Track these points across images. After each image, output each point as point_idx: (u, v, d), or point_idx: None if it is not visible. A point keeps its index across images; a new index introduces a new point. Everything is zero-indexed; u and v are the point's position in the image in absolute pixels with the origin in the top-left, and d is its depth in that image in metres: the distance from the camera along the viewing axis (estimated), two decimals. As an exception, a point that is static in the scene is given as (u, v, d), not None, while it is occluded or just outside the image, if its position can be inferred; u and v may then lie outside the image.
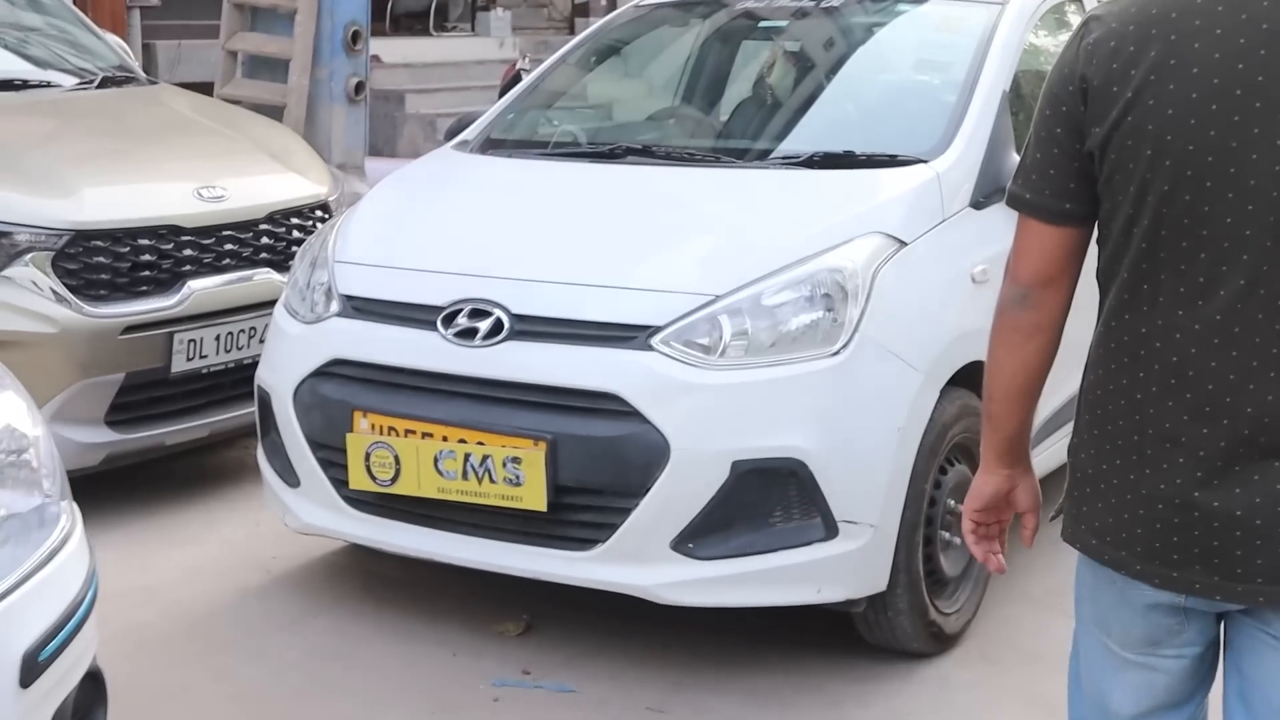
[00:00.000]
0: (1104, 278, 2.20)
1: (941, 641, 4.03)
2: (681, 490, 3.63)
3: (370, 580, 4.49)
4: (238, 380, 5.13)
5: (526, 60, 9.28)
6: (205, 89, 9.02)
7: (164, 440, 5.07)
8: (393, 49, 11.59)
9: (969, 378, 4.01)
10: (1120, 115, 2.08)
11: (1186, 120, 2.03)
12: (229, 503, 5.20)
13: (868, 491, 3.71)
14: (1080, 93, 2.12)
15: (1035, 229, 2.21)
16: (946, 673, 3.96)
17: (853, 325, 3.74)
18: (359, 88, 9.23)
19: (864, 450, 3.71)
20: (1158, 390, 2.11)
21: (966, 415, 4.01)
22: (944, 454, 3.95)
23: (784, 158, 4.39)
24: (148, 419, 5.02)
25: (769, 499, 3.67)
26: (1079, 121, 2.13)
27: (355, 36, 9.19)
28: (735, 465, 3.61)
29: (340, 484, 4.04)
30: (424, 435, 3.85)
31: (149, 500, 5.13)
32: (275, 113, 8.79)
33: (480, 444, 3.77)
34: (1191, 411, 2.08)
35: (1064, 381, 4.72)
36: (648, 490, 3.63)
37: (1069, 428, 4.90)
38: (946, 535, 4.01)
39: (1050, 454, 4.74)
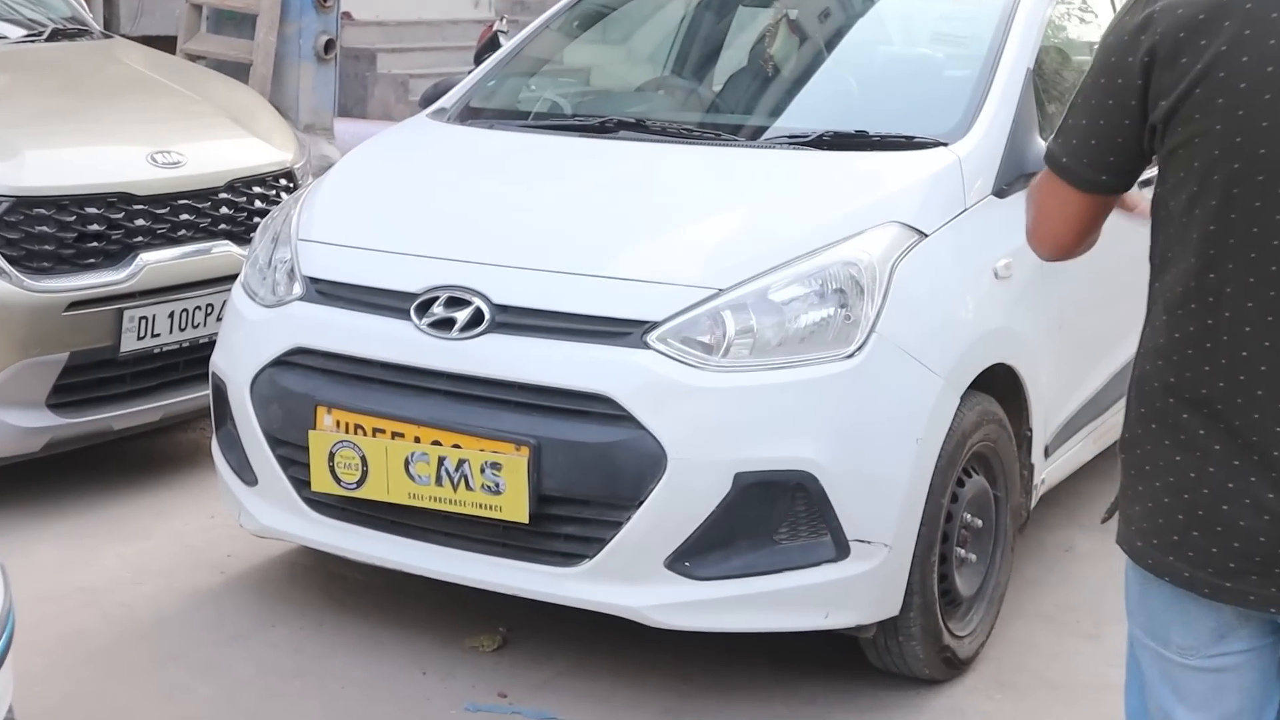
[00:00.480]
0: (1162, 261, 2.04)
1: (954, 667, 3.71)
2: (678, 503, 3.30)
3: (332, 584, 4.15)
4: (192, 360, 4.76)
5: (503, 21, 8.89)
6: (169, 43, 8.68)
7: (111, 424, 4.70)
8: (364, 5, 11.16)
9: (988, 381, 3.70)
10: (1188, 89, 1.92)
11: (1261, 95, 1.87)
12: (181, 491, 4.84)
13: (883, 508, 3.38)
14: (1143, 66, 1.96)
15: (1064, 190, 2.14)
16: (960, 702, 3.65)
17: (868, 325, 3.41)
18: (329, 45, 8.83)
19: (879, 463, 3.38)
20: (1226, 386, 1.95)
21: (986, 423, 3.69)
22: (962, 465, 3.63)
23: (790, 137, 4.02)
24: (94, 402, 4.64)
25: (774, 515, 3.33)
26: (1135, 95, 2.00)
27: (326, -9, 8.79)
28: (738, 477, 3.28)
29: (301, 484, 3.69)
30: (394, 435, 3.50)
31: (94, 489, 4.76)
32: (241, 70, 8.44)
33: (456, 447, 3.42)
34: (1264, 410, 1.94)
35: (1099, 362, 4.45)
36: (641, 503, 3.30)
37: (1110, 413, 4.50)
38: (962, 552, 3.69)
39: (1085, 447, 4.47)
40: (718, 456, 3.29)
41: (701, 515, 3.30)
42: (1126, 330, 4.74)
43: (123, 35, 7.24)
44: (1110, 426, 4.71)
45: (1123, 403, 4.89)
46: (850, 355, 3.37)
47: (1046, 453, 4.15)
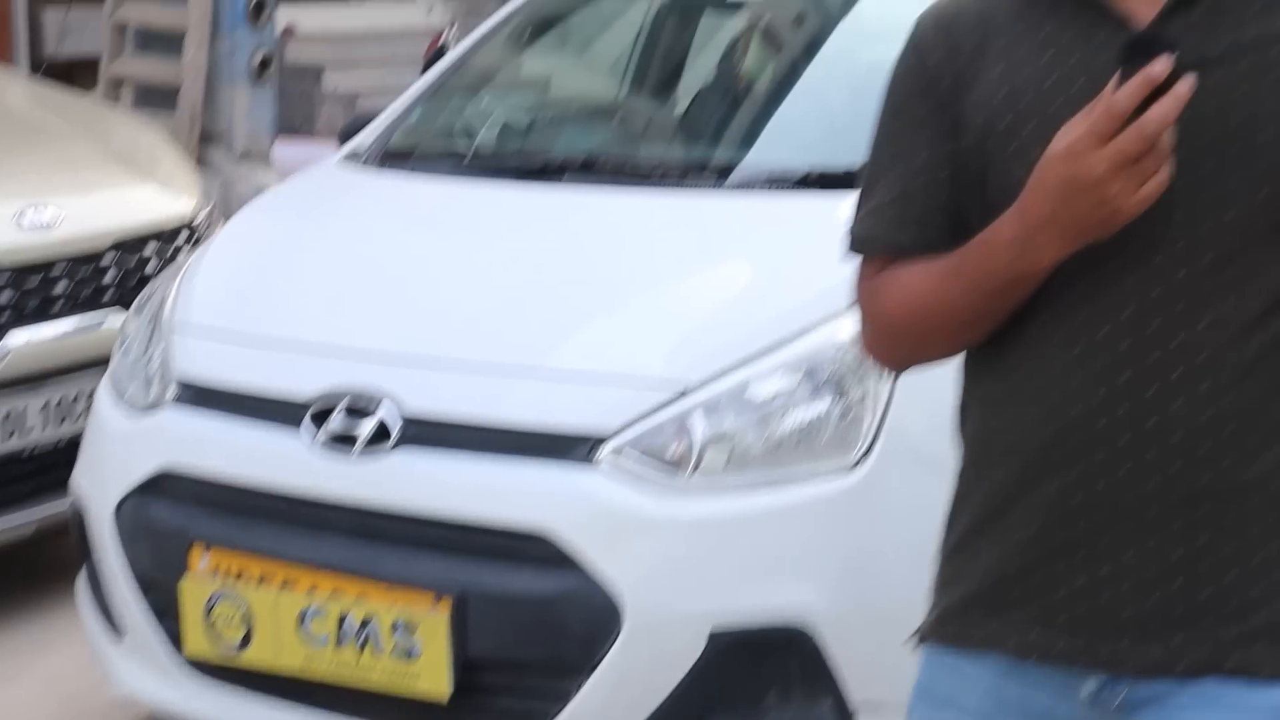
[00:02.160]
0: None
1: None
2: (639, 669, 2.60)
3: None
4: (74, 460, 4.03)
5: (455, 30, 8.13)
6: (96, 66, 7.99)
7: (-24, 541, 3.97)
8: (308, 18, 10.39)
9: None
10: None
11: None
12: (61, 615, 4.05)
13: (896, 662, 2.65)
14: None
15: None
16: None
17: (873, 423, 2.69)
18: (265, 63, 8.10)
19: (893, 605, 2.64)
20: None
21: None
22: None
23: (769, 177, 3.30)
24: (-47, 516, 3.92)
25: (761, 679, 2.63)
26: None
27: (259, 6, 8.06)
28: (714, 636, 2.57)
29: (178, 640, 2.97)
30: (284, 583, 2.79)
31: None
32: (169, 94, 7.73)
33: (361, 597, 2.71)
34: None
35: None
36: (593, 668, 2.60)
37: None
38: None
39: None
40: (688, 608, 2.59)
41: (669, 683, 2.60)
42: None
43: (49, 58, 6.50)
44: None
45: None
46: (855, 465, 2.66)
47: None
